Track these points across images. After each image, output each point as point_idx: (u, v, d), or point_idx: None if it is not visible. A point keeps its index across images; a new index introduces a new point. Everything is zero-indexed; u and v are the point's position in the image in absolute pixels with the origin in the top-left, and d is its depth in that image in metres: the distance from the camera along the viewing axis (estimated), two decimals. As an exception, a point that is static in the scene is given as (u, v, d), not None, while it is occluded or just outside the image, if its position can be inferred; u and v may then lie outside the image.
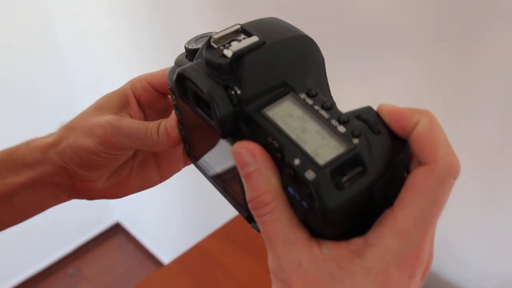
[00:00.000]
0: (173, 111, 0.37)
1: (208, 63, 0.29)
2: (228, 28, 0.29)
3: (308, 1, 0.81)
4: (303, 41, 0.29)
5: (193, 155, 0.39)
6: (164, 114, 0.43)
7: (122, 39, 1.44)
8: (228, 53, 0.27)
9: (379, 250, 0.24)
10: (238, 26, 0.29)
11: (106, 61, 1.60)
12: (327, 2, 0.77)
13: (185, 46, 0.34)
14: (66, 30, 1.72)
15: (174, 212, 1.75)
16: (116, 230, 2.22)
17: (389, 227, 0.24)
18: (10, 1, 1.61)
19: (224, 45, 0.28)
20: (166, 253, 1.99)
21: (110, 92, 0.42)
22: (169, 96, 0.41)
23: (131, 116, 0.41)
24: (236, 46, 0.27)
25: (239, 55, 0.27)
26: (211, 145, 0.34)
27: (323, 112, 0.26)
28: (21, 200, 0.42)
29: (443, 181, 0.24)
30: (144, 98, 0.42)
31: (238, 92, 0.27)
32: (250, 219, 0.30)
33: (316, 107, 0.26)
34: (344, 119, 0.25)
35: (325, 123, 0.25)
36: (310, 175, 0.23)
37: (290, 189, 0.25)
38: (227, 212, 0.98)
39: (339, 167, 0.24)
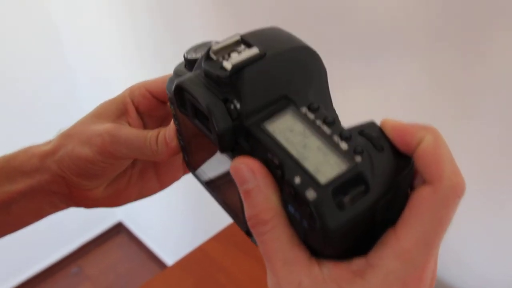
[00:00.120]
0: (172, 120, 0.37)
1: (207, 75, 0.28)
2: (228, 38, 0.28)
3: (308, 1, 0.80)
4: (305, 52, 0.28)
5: (192, 165, 0.38)
6: (163, 122, 0.43)
7: (123, 39, 1.43)
8: (227, 65, 0.26)
9: (381, 271, 0.23)
10: (238, 37, 0.28)
11: (107, 61, 1.59)
12: (327, 2, 0.77)
13: (184, 55, 0.33)
14: (67, 30, 1.72)
15: (176, 212, 1.75)
16: (119, 229, 2.22)
17: (391, 248, 0.23)
18: (11, 1, 1.60)
19: (223, 57, 0.27)
20: (168, 253, 1.99)
21: (109, 100, 0.42)
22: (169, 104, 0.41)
23: (129, 124, 0.41)
24: (235, 58, 0.27)
25: (239, 68, 0.26)
26: (210, 156, 0.33)
27: (324, 128, 0.25)
28: (19, 208, 0.42)
29: (447, 201, 0.23)
30: (143, 106, 0.41)
31: (238, 106, 0.26)
32: (249, 233, 0.30)
33: (318, 122, 0.25)
34: (346, 135, 0.24)
35: (327, 139, 0.25)
36: (311, 194, 0.23)
37: (291, 208, 0.25)
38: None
39: (341, 186, 0.23)
